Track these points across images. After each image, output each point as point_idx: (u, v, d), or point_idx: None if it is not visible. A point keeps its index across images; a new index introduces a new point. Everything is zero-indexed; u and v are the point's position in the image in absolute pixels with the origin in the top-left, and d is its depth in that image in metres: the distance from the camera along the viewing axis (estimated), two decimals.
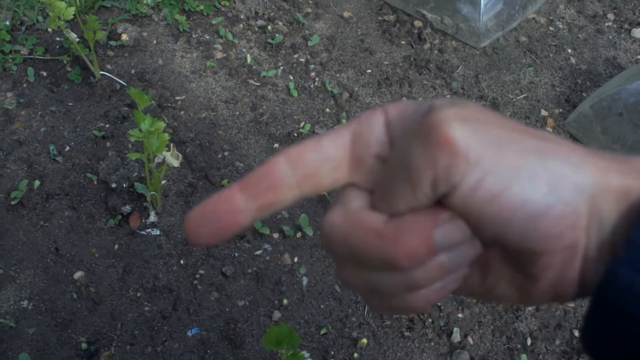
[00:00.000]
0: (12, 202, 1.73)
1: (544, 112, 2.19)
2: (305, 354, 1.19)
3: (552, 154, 0.32)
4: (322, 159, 0.35)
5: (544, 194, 0.31)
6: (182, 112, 2.00)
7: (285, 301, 1.65)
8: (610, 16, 2.56)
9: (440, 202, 0.33)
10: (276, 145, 1.97)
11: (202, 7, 2.30)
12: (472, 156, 0.31)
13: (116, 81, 2.04)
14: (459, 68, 2.28)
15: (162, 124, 1.47)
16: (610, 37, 2.48)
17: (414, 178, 0.32)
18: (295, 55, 2.23)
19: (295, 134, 2.00)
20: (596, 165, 0.32)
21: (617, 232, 0.32)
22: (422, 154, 0.32)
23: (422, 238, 0.32)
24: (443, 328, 1.65)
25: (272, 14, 2.35)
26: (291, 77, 2.17)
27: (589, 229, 0.32)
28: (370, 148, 0.35)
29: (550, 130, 2.14)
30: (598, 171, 0.32)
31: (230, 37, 2.24)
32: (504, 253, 0.35)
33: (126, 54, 2.13)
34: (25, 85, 2.00)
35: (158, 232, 1.73)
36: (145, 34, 2.20)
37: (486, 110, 0.34)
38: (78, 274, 1.64)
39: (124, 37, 2.15)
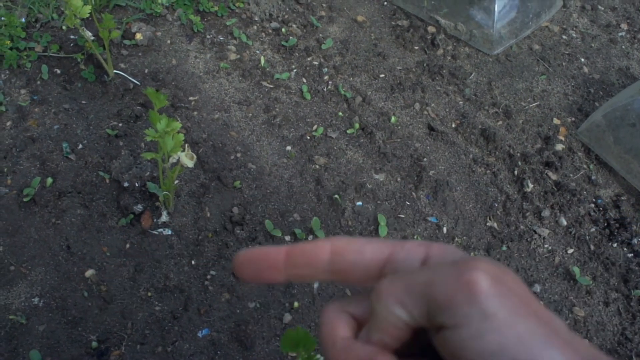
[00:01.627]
0: (25, 199, 1.73)
1: (556, 121, 2.19)
2: (320, 357, 1.19)
3: (559, 344, 0.33)
4: (358, 264, 0.39)
5: None
6: (195, 113, 2.00)
7: (296, 304, 1.65)
8: (624, 26, 2.56)
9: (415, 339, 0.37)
10: (289, 147, 1.97)
11: (216, 8, 2.30)
12: (489, 309, 0.33)
13: (130, 80, 2.04)
14: (472, 74, 2.28)
15: (178, 125, 1.47)
16: (623, 46, 2.47)
17: (426, 294, 0.34)
18: (309, 58, 2.23)
19: (308, 137, 2.00)
20: None
21: None
22: (445, 279, 0.34)
23: None
24: None
25: (286, 16, 2.35)
26: (304, 80, 2.17)
27: None
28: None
29: (562, 139, 2.14)
30: None
31: (244, 38, 2.24)
32: None
33: (140, 54, 2.14)
34: (39, 82, 2.00)
35: (170, 232, 1.73)
36: (159, 33, 2.21)
37: (520, 282, 0.36)
38: (89, 272, 1.63)
39: (138, 36, 2.15)
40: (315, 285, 1.69)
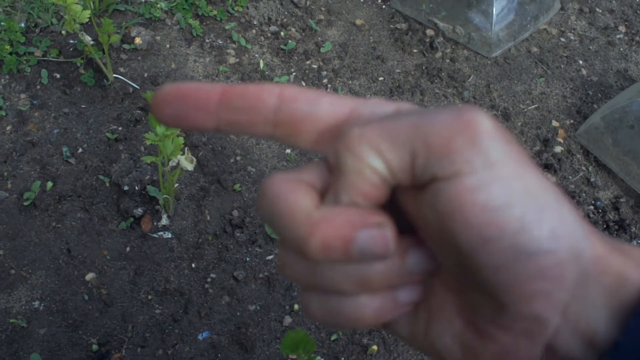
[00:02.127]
0: (25, 203, 1.73)
1: (555, 123, 2.19)
2: (320, 359, 1.20)
3: (570, 206, 0.29)
4: (311, 115, 0.31)
5: (543, 236, 0.27)
6: None
7: (296, 306, 1.65)
8: (622, 28, 2.56)
9: (398, 198, 0.31)
10: (288, 151, 1.98)
11: (215, 12, 2.31)
12: (493, 155, 0.28)
13: (129, 84, 2.04)
14: (471, 77, 2.29)
15: (177, 128, 1.47)
16: (621, 49, 2.48)
17: (413, 139, 0.28)
18: (308, 62, 2.24)
19: None
20: (601, 241, 0.29)
21: (600, 328, 0.28)
22: (440, 120, 0.28)
23: (342, 232, 0.29)
24: None
25: (284, 20, 2.36)
26: (303, 84, 2.17)
27: (567, 310, 0.28)
28: None
29: (561, 141, 2.14)
30: (602, 247, 0.29)
31: (243, 42, 2.25)
32: (460, 300, 0.32)
33: (139, 58, 2.14)
34: (38, 87, 2.01)
35: (170, 235, 1.73)
36: (158, 37, 2.21)
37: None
38: (89, 276, 1.64)
39: (138, 40, 2.16)
40: None
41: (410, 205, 0.30)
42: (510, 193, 0.27)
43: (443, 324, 0.32)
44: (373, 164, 0.29)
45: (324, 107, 0.31)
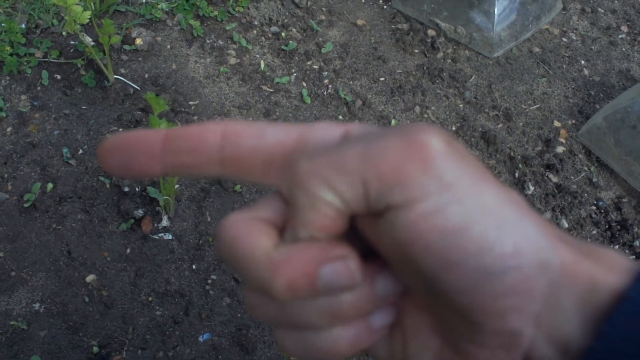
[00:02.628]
0: (25, 205, 1.73)
1: (557, 123, 2.19)
2: None
3: (531, 217, 0.28)
4: (257, 149, 0.31)
5: (506, 253, 0.27)
6: (196, 117, 2.00)
7: None
8: (624, 28, 2.56)
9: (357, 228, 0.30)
10: None
11: (216, 12, 2.31)
12: (447, 177, 0.27)
13: (130, 85, 2.04)
14: (472, 77, 2.28)
15: None
16: (623, 49, 2.47)
17: (362, 168, 0.27)
18: (309, 62, 2.24)
19: None
20: (570, 248, 0.28)
21: (574, 335, 0.28)
22: (389, 145, 0.27)
23: (306, 271, 0.28)
24: None
25: (285, 20, 2.35)
26: (304, 84, 2.17)
27: (540, 320, 0.28)
28: None
29: (563, 141, 2.13)
30: (571, 254, 0.28)
31: (244, 43, 2.24)
32: (434, 319, 0.31)
33: (140, 59, 2.14)
34: (39, 88, 2.00)
35: (170, 237, 1.73)
36: (159, 38, 2.21)
37: (468, 151, 0.30)
38: (90, 277, 1.63)
39: (138, 41, 2.15)
40: None
41: (370, 232, 0.30)
42: (468, 213, 0.26)
43: (420, 344, 0.32)
44: (326, 197, 0.28)
45: (269, 138, 0.31)
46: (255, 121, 0.32)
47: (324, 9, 2.44)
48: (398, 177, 0.27)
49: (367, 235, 0.30)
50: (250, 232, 0.30)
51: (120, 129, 1.93)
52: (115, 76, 2.05)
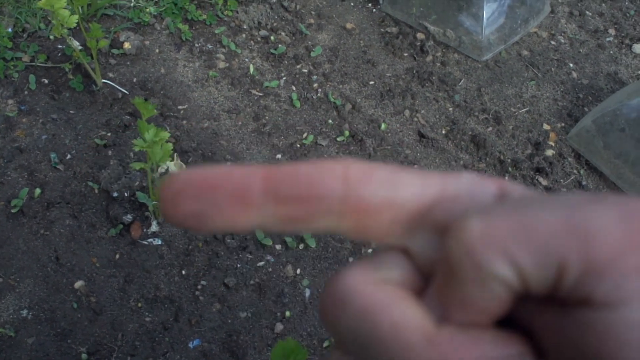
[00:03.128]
0: (13, 210, 1.71)
1: (546, 126, 2.19)
2: None
3: None
4: (389, 201, 0.24)
5: None
6: (185, 122, 1.99)
7: (287, 313, 1.64)
8: (612, 31, 2.57)
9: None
10: (279, 156, 1.96)
11: (204, 16, 2.30)
12: None
13: (118, 89, 2.03)
14: (462, 81, 2.28)
15: (166, 134, 1.46)
16: (611, 52, 2.49)
17: (564, 244, 0.21)
18: (298, 66, 2.23)
19: (298, 145, 2.00)
20: None
21: None
22: (601, 224, 0.21)
23: None
24: None
25: (274, 24, 2.35)
26: (294, 88, 2.16)
27: None
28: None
29: (553, 144, 2.14)
30: None
31: (233, 47, 2.24)
32: None
33: (128, 63, 2.13)
34: (26, 92, 1.99)
35: (159, 242, 1.71)
36: (147, 42, 2.20)
37: None
38: (78, 284, 1.62)
39: (126, 45, 2.14)
40: (307, 293, 1.68)
41: (538, 319, 0.23)
42: None
43: None
44: (502, 274, 0.21)
45: (405, 189, 0.24)
46: (380, 163, 0.25)
47: (313, 12, 2.43)
48: (615, 268, 0.20)
49: (531, 319, 0.24)
50: (393, 301, 0.23)
51: (109, 134, 1.91)
52: (104, 80, 2.03)
